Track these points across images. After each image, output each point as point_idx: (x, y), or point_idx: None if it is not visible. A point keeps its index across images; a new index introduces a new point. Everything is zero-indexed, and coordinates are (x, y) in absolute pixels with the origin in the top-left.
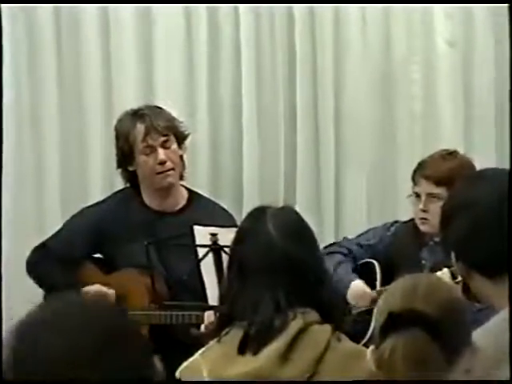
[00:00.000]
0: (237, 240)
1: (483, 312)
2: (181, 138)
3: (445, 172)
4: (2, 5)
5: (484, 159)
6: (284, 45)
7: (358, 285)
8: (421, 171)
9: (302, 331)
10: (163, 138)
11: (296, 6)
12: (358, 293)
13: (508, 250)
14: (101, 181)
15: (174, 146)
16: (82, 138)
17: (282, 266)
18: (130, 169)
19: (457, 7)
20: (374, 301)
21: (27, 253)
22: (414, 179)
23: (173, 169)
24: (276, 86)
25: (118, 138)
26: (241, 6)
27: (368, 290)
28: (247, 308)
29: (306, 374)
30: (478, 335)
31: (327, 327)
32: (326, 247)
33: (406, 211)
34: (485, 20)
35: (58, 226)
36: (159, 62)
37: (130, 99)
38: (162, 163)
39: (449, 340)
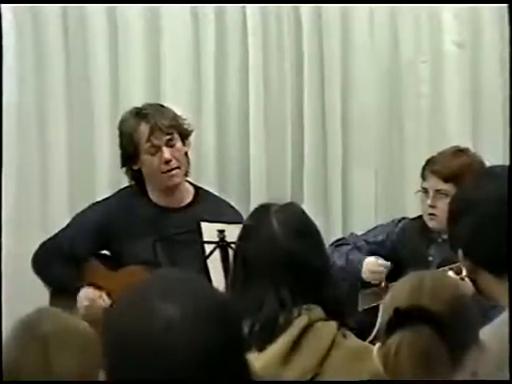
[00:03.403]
0: (241, 237)
1: (497, 309)
2: (184, 135)
3: (454, 168)
4: (7, 5)
5: (491, 158)
6: (292, 45)
7: (371, 260)
8: (430, 167)
9: (307, 328)
10: (167, 137)
11: (303, 8)
12: (372, 267)
13: (508, 249)
14: (107, 178)
15: (179, 143)
16: (89, 137)
17: (286, 262)
18: (135, 168)
19: (464, 8)
20: (380, 294)
21: (33, 250)
22: (423, 175)
23: (178, 167)
24: (283, 83)
25: (121, 137)
26: (248, 8)
27: (382, 262)
28: (252, 305)
29: (312, 371)
30: (486, 333)
31: (332, 324)
32: (333, 243)
33: (413, 208)
34: (492, 20)
35: (64, 223)
36: (166, 62)
37: (136, 99)
38: (168, 162)
39: (455, 337)
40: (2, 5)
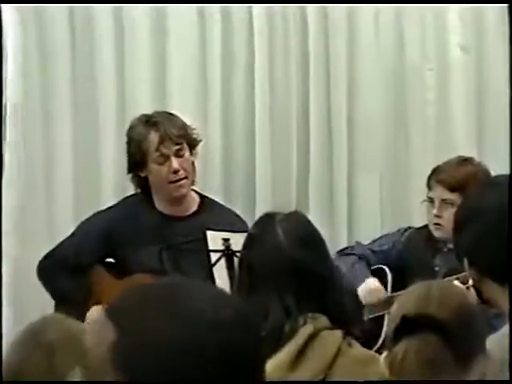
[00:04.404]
0: (246, 245)
1: (500, 317)
2: (193, 145)
3: (459, 178)
4: (13, 5)
5: (497, 165)
6: (297, 48)
7: (369, 281)
8: (436, 176)
9: (312, 337)
10: (177, 147)
11: (309, 9)
12: (369, 288)
13: (508, 258)
14: (113, 185)
15: (187, 153)
16: (95, 142)
17: (291, 271)
18: (142, 175)
19: (469, 9)
20: (385, 303)
21: (38, 258)
22: (428, 184)
23: (186, 177)
24: (289, 90)
25: (129, 144)
26: (254, 8)
27: (379, 286)
28: (257, 314)
29: (318, 378)
30: (492, 341)
31: (338, 333)
32: (338, 252)
33: (418, 214)
34: (498, 25)
35: (69, 231)
36: (172, 62)
37: (143, 103)
38: (176, 172)
39: (462, 345)
40: (8, 5)
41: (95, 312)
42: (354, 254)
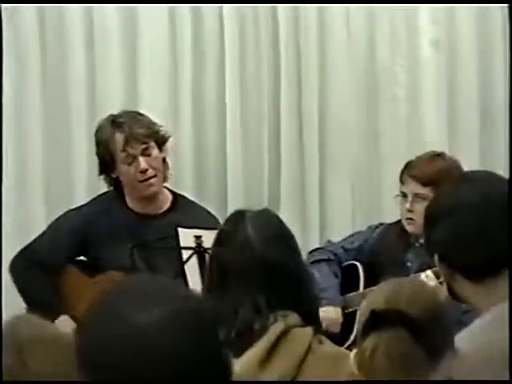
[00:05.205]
0: (216, 243)
1: (470, 313)
2: (161, 142)
3: (432, 173)
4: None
5: (468, 162)
6: (268, 48)
7: (327, 311)
8: (408, 171)
9: (283, 334)
10: (143, 146)
11: (280, 9)
12: (328, 318)
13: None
14: (85, 184)
15: (155, 151)
16: (67, 142)
17: (261, 269)
18: (113, 175)
19: (441, 10)
20: (357, 300)
21: (10, 256)
22: (401, 179)
23: (155, 176)
24: (260, 89)
25: (98, 146)
26: (225, 8)
27: (339, 316)
28: (227, 311)
29: (288, 377)
30: (461, 338)
31: (308, 330)
32: (310, 252)
33: (390, 214)
34: (469, 22)
35: (42, 229)
36: (143, 65)
37: (114, 103)
38: (144, 171)
39: (431, 341)
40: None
41: (64, 320)
42: (325, 260)
